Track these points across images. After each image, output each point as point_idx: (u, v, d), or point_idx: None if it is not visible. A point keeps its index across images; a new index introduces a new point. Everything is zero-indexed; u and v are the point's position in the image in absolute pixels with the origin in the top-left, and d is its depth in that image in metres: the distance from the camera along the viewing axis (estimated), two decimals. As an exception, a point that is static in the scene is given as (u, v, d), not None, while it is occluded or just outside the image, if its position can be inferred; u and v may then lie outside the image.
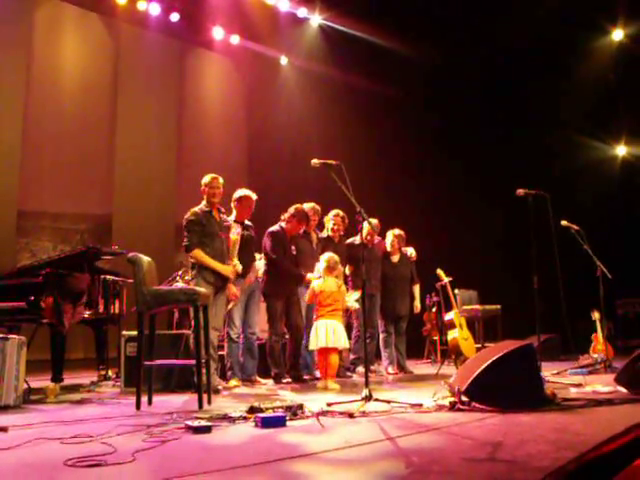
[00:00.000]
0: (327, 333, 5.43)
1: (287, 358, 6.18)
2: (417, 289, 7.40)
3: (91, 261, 5.66)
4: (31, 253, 9.33)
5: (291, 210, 6.26)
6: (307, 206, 6.52)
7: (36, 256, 9.00)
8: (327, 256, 5.79)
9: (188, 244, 5.18)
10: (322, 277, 5.72)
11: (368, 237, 6.67)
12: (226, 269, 5.25)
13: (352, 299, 5.92)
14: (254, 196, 5.93)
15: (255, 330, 5.94)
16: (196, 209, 5.32)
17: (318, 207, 6.66)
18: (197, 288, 4.56)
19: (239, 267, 5.48)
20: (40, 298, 4.69)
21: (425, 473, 2.25)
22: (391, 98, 10.78)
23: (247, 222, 6.01)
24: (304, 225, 6.37)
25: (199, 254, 5.15)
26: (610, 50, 10.65)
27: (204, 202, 5.36)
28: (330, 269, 5.69)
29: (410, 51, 10.24)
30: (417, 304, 7.41)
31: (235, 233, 5.57)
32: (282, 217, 6.31)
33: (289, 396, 4.82)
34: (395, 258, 7.21)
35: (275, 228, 6.25)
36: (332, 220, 6.70)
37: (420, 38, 10.12)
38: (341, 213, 6.72)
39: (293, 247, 6.25)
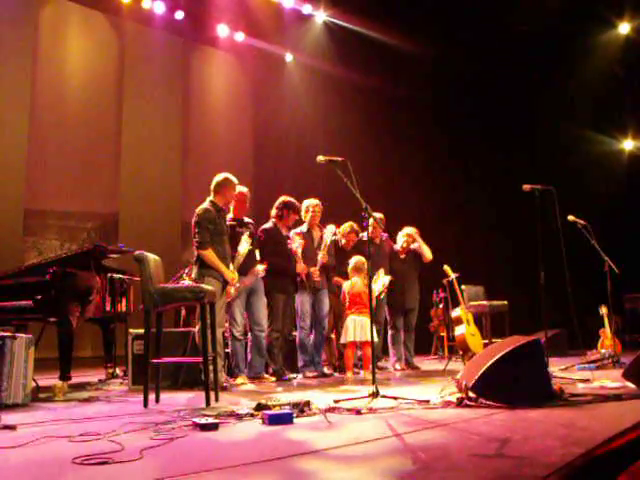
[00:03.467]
0: (355, 329, 5.95)
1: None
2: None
3: (98, 259, 5.67)
4: (38, 252, 9.36)
5: (278, 204, 6.23)
6: (312, 202, 6.49)
7: (43, 255, 9.03)
8: (355, 258, 6.28)
9: (201, 242, 5.05)
10: (350, 278, 6.21)
11: (374, 233, 6.74)
12: (229, 273, 5.18)
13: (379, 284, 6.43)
14: (244, 189, 5.84)
15: (263, 327, 5.88)
16: (208, 206, 5.19)
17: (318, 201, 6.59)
18: (204, 286, 4.52)
19: (236, 276, 5.37)
20: (47, 297, 4.71)
21: (432, 469, 2.25)
22: (397, 95, 10.76)
23: (246, 219, 5.98)
24: (298, 215, 6.36)
25: (211, 254, 5.04)
26: (617, 43, 10.60)
27: (210, 199, 5.27)
28: (357, 270, 6.18)
29: (415, 47, 10.21)
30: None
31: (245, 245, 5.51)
32: (272, 213, 6.28)
33: (296, 393, 4.82)
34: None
35: (268, 225, 6.25)
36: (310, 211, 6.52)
37: (425, 35, 10.09)
38: (319, 204, 6.52)
39: (289, 241, 6.24)
